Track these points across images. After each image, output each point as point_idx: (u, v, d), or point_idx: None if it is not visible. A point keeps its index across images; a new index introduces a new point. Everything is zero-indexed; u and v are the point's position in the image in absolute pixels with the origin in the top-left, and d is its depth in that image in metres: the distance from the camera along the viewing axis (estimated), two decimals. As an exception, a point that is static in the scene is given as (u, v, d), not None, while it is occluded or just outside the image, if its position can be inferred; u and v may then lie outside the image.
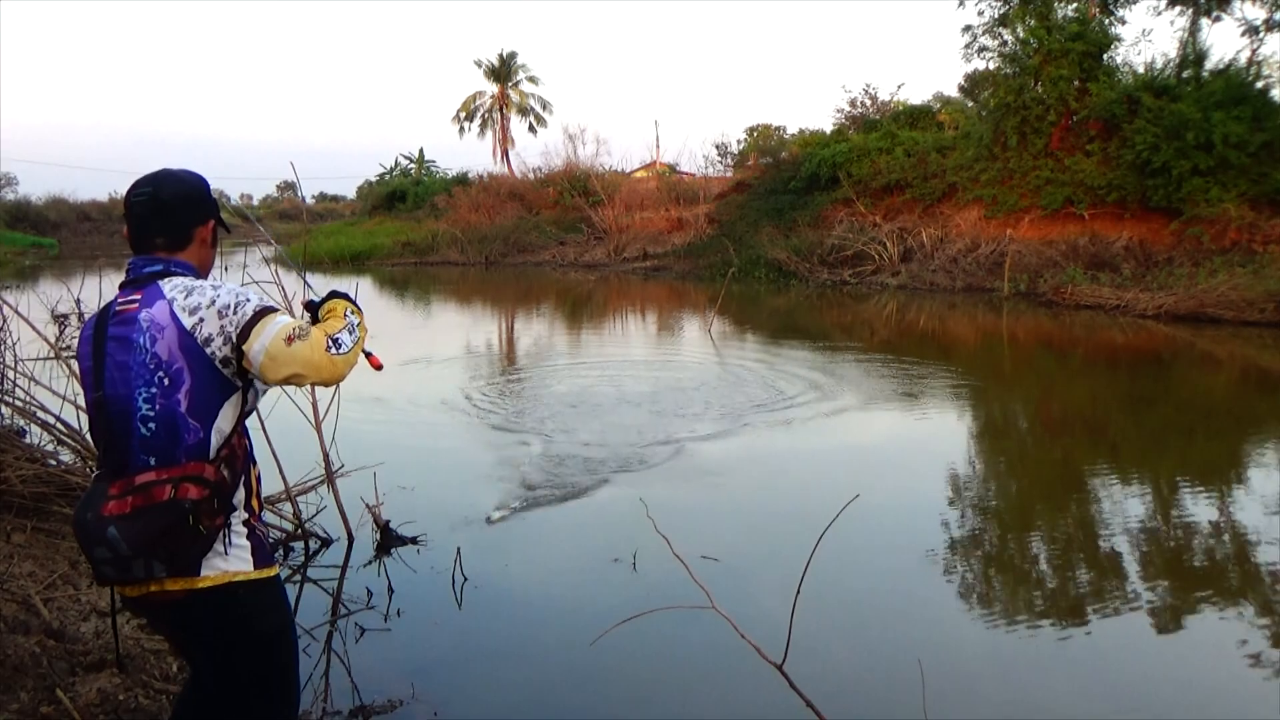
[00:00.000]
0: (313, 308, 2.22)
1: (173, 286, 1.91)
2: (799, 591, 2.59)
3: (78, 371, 1.98)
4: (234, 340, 1.86)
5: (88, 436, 4.55)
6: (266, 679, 2.03)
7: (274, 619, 2.02)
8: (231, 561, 1.92)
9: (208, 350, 1.86)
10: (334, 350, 1.93)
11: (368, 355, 2.19)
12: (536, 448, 6.83)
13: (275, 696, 2.06)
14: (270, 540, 2.30)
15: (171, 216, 1.99)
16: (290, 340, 1.86)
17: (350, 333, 2.03)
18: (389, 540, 4.74)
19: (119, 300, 1.93)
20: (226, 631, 1.95)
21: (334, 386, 3.38)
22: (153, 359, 1.85)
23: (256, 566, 1.96)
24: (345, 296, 2.22)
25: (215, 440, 1.90)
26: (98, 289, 3.86)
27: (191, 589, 1.88)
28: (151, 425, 1.85)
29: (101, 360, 1.89)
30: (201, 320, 1.86)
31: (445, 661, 3.56)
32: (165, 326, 1.86)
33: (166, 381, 1.85)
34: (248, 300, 1.90)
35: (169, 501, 1.80)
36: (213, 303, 1.88)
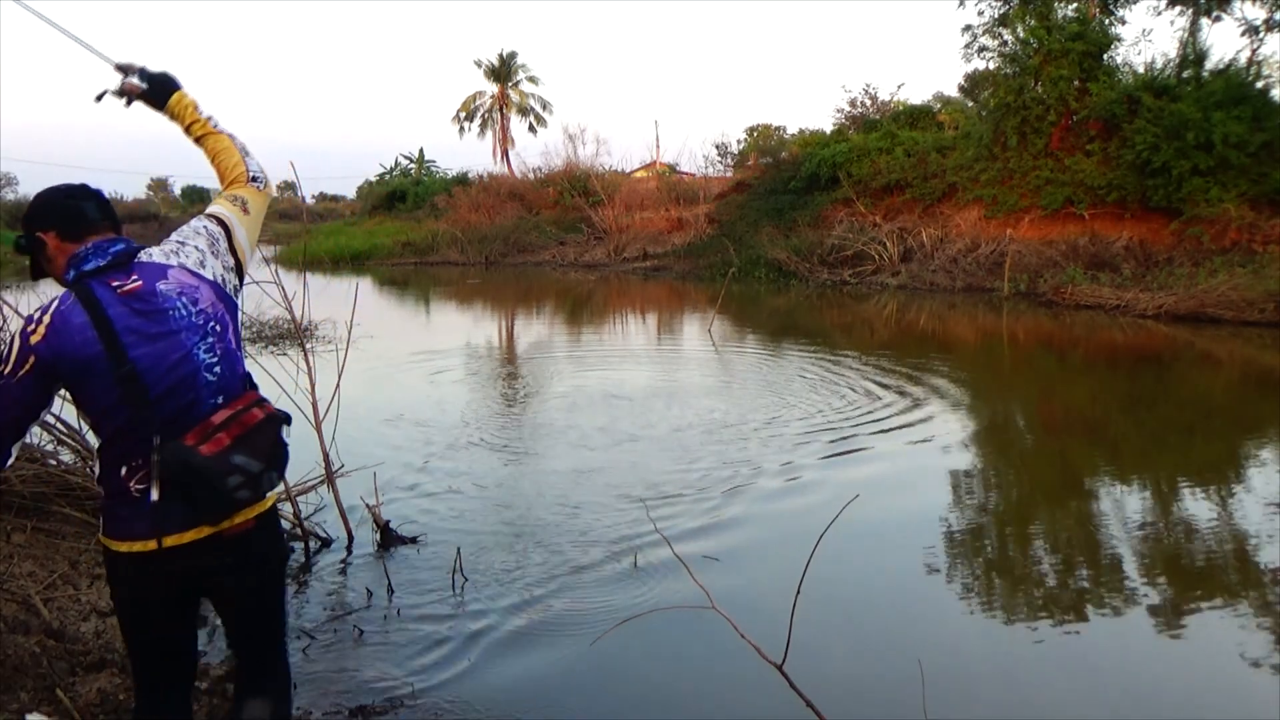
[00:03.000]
0: (146, 79, 2.24)
1: (165, 254, 2.05)
2: (799, 591, 2.58)
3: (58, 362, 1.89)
4: (235, 260, 2.14)
5: (88, 437, 4.55)
6: (284, 602, 2.26)
7: (285, 541, 2.28)
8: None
9: (227, 287, 2.12)
10: (259, 184, 2.27)
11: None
12: (537, 448, 6.83)
13: (287, 618, 2.32)
14: None
15: (111, 209, 2.13)
16: (246, 209, 2.20)
17: (242, 147, 2.28)
18: (389, 540, 4.73)
19: (114, 285, 1.94)
20: (272, 557, 2.16)
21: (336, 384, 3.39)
22: (200, 314, 2.01)
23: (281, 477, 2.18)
24: (175, 83, 2.27)
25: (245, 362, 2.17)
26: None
27: (261, 512, 2.08)
28: (217, 370, 2.02)
29: (115, 339, 1.89)
30: (212, 267, 2.09)
31: (445, 661, 3.56)
32: (197, 285, 2.04)
33: (219, 328, 2.04)
34: (202, 225, 2.15)
35: (267, 417, 2.04)
36: (200, 249, 2.10)
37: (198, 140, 2.27)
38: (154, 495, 1.91)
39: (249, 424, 1.99)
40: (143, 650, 2.10)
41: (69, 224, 2.01)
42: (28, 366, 1.85)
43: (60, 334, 1.86)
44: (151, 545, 1.96)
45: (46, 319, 1.87)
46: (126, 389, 1.90)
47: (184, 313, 1.99)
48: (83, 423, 4.49)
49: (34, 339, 1.85)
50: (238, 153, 2.25)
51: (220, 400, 2.01)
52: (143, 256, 2.02)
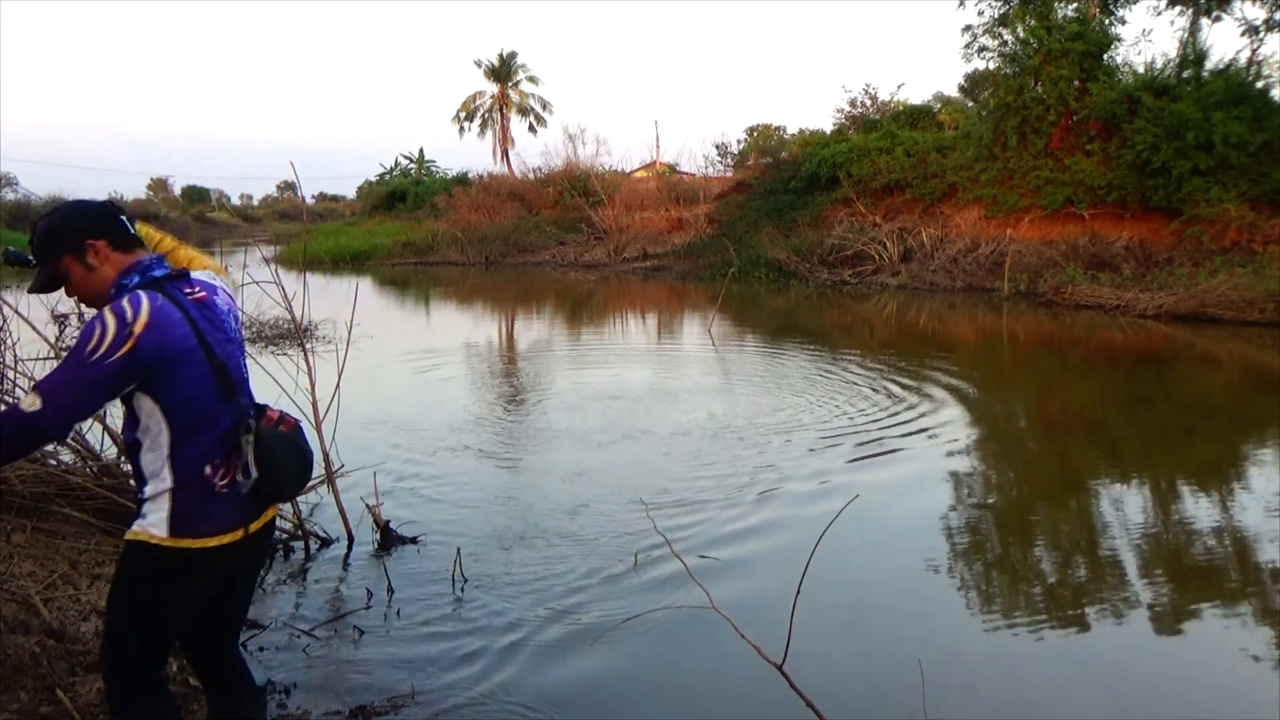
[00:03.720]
0: (132, 225, 2.24)
1: (208, 276, 2.27)
2: (799, 591, 2.59)
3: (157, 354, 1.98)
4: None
5: (87, 437, 4.55)
6: None
7: None
8: None
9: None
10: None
11: None
12: (537, 444, 6.83)
13: None
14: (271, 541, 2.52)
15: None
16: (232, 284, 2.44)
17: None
18: (389, 540, 4.73)
19: (183, 289, 2.11)
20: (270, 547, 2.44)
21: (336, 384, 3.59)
22: (237, 333, 2.24)
23: None
24: (126, 216, 2.24)
25: None
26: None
27: (275, 509, 2.32)
28: (248, 384, 2.25)
29: (203, 336, 2.08)
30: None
31: (445, 661, 3.56)
32: (233, 306, 2.27)
33: (243, 350, 2.28)
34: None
35: (297, 423, 2.28)
36: (223, 283, 2.32)
37: (168, 254, 2.45)
38: (254, 473, 2.08)
39: (292, 424, 2.25)
40: (159, 647, 2.14)
41: (120, 235, 2.12)
42: (126, 348, 1.92)
43: (163, 326, 1.99)
44: (239, 534, 2.12)
45: (145, 310, 1.96)
46: (220, 380, 2.10)
47: (233, 327, 2.21)
48: (82, 424, 4.49)
49: (137, 328, 1.93)
50: (210, 257, 2.55)
51: (252, 412, 2.21)
52: (193, 274, 2.23)
